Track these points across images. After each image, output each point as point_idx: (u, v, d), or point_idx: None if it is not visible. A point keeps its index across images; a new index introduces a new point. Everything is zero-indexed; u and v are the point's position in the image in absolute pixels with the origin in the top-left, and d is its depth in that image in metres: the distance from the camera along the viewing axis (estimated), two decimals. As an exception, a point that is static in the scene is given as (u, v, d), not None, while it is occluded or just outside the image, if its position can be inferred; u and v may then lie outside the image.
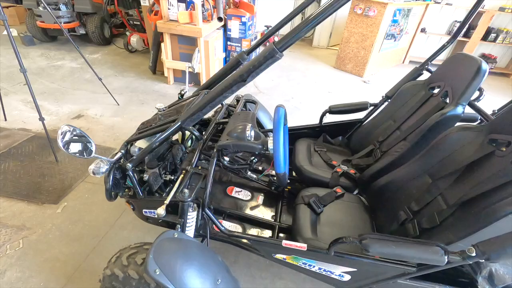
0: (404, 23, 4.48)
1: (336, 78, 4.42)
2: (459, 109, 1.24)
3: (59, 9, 4.10)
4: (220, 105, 1.70)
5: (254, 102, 1.70)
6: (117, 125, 2.72)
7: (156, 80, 3.73)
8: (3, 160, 2.13)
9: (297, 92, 3.80)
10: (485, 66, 1.20)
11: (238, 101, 1.88)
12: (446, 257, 0.83)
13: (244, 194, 1.67)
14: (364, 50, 4.31)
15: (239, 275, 1.54)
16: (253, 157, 1.29)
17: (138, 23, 4.34)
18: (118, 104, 3.06)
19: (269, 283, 1.52)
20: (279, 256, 1.21)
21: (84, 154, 1.01)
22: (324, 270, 1.16)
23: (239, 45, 3.99)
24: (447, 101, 1.36)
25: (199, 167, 1.22)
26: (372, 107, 1.85)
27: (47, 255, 1.54)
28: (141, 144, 1.40)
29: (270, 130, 1.98)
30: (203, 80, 3.56)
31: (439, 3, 4.87)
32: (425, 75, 1.62)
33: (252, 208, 1.60)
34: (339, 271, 1.12)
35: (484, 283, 1.06)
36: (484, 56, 5.23)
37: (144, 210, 1.33)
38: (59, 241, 1.62)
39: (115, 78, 3.70)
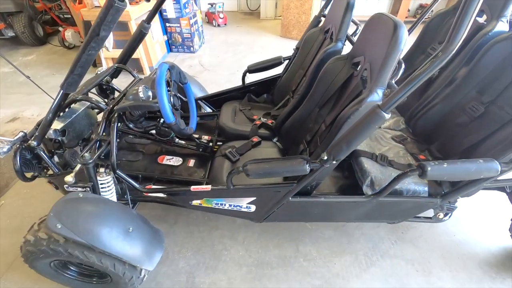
0: (339, -17, 4.56)
1: (282, 46, 4.48)
2: (339, 45, 1.37)
3: (-24, 11, 3.80)
4: (133, 78, 1.74)
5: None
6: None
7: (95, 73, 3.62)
8: None
9: (243, 65, 3.83)
10: (352, 1, 1.32)
11: None
12: (308, 165, 0.96)
13: (175, 161, 1.75)
14: (304, 14, 4.38)
15: (179, 233, 1.65)
16: (160, 118, 1.36)
17: (69, 16, 4.12)
18: (56, 101, 2.97)
19: (206, 235, 1.65)
20: (195, 202, 1.32)
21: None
22: (234, 206, 1.28)
23: (178, 25, 3.93)
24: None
25: (103, 134, 1.28)
26: (287, 61, 1.95)
27: (-15, 249, 1.57)
28: (56, 125, 1.41)
29: (200, 98, 2.05)
30: (145, 64, 3.51)
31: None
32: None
33: (184, 171, 1.68)
34: (245, 203, 1.26)
35: (367, 190, 1.23)
36: (421, 6, 5.47)
37: (65, 185, 1.38)
38: (-3, 235, 1.64)
39: (52, 76, 3.56)
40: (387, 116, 0.79)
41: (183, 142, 1.80)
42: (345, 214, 1.33)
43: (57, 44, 4.45)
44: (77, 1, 3.29)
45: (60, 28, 4.30)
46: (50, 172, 1.37)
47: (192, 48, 4.15)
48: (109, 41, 1.72)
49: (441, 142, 1.38)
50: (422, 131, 1.48)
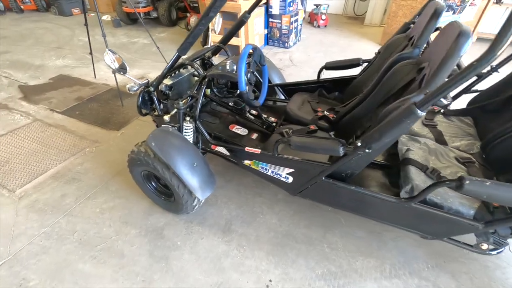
0: (467, -7, 4.00)
1: (377, 54, 4.30)
2: (415, 51, 1.37)
3: (138, -4, 5.08)
4: (227, 56, 2.12)
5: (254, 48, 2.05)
6: (167, 84, 3.41)
7: (204, 53, 4.35)
8: (90, 102, 3.03)
9: (330, 65, 3.90)
10: (440, 7, 1.29)
11: None
12: (342, 148, 1.08)
13: (242, 131, 2.07)
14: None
15: (229, 189, 1.98)
16: (236, 90, 1.68)
17: (196, 5, 5.02)
18: (171, 70, 3.78)
19: (250, 198, 1.91)
20: (246, 162, 1.59)
21: (123, 73, 1.58)
22: (275, 173, 1.49)
23: (279, 21, 4.28)
24: (415, 46, 1.47)
25: (195, 92, 1.67)
26: (366, 64, 1.99)
27: (107, 157, 2.26)
28: (167, 81, 1.91)
29: (276, 85, 2.31)
30: (242, 52, 4.00)
31: (522, -34, 4.14)
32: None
33: (246, 141, 1.98)
34: (284, 173, 1.45)
35: (405, 195, 1.24)
36: None
37: (162, 125, 1.87)
38: (116, 151, 2.33)
39: (173, 51, 4.45)
40: (421, 113, 0.84)
41: (252, 117, 2.10)
42: (373, 211, 1.36)
43: (183, 27, 5.50)
44: (205, -7, 4.01)
45: (188, 14, 5.28)
46: (156, 113, 1.88)
47: (286, 44, 4.45)
48: (218, 25, 2.13)
49: (515, 174, 1.23)
50: (496, 159, 1.33)
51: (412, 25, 1.74)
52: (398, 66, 1.30)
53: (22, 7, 6.28)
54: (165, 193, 1.74)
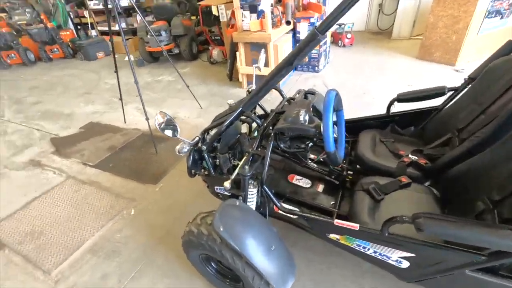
0: (515, -5, 3.64)
1: (419, 69, 3.95)
2: None
3: (160, 35, 5.10)
4: (282, 98, 1.84)
5: (313, 93, 1.77)
6: (200, 124, 3.20)
7: (232, 86, 4.18)
8: (123, 151, 2.85)
9: (370, 87, 3.58)
10: None
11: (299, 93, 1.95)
12: (521, 242, 0.72)
13: (304, 182, 1.74)
14: (456, 34, 3.71)
15: (296, 257, 1.60)
16: (309, 142, 1.37)
17: (218, 38, 4.96)
18: (201, 108, 3.59)
19: (325, 270, 1.54)
20: (332, 236, 1.24)
21: (173, 134, 1.32)
22: (380, 254, 1.13)
23: (308, 46, 4.06)
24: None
25: (259, 149, 1.38)
26: (451, 92, 1.64)
27: (148, 220, 1.99)
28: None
29: (335, 122, 1.99)
30: (273, 82, 3.77)
31: None
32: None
33: (311, 195, 1.65)
34: (396, 256, 1.08)
35: None
36: None
37: (215, 187, 1.58)
38: (156, 211, 2.06)
39: (199, 86, 4.33)
40: None
41: (314, 165, 1.78)
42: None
43: (204, 60, 5.43)
44: (230, 26, 3.90)
45: (210, 47, 5.23)
46: (207, 173, 1.60)
47: (316, 67, 4.20)
48: (261, 61, 1.88)
49: None
50: None
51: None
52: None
53: (51, 56, 6.54)
54: (230, 276, 1.41)
